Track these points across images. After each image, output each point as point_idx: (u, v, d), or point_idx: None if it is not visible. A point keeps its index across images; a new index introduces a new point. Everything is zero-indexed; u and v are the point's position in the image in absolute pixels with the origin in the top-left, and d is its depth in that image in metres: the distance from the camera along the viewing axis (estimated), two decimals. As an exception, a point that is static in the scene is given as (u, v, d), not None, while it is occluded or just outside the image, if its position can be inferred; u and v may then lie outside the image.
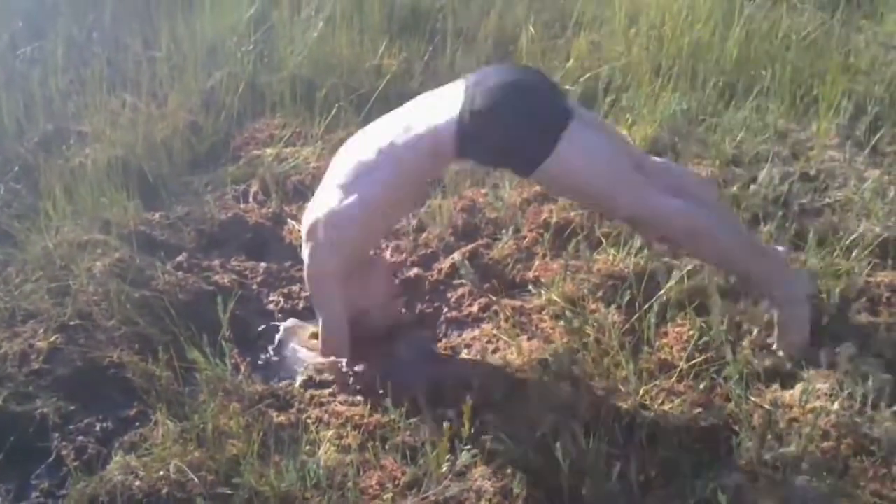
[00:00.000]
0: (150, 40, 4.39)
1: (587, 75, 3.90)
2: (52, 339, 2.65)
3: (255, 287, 3.08)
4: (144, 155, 3.63)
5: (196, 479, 2.18)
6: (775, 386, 2.43)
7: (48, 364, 2.59)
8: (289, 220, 3.35)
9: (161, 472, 2.22)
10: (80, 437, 2.40)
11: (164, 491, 2.18)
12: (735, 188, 3.16)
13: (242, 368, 2.62)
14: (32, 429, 2.41)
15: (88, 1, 4.68)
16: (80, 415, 2.47)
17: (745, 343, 2.55)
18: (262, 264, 3.17)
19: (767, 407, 2.34)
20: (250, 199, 3.48)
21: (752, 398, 2.38)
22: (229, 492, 2.17)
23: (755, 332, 2.58)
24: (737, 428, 2.30)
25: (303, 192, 3.46)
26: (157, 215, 3.29)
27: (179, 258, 3.08)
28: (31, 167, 3.57)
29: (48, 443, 2.38)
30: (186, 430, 2.34)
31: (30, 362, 2.59)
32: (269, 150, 3.70)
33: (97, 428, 2.43)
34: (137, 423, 2.44)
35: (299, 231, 3.22)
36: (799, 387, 2.39)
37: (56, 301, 2.79)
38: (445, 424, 2.29)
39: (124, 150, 3.61)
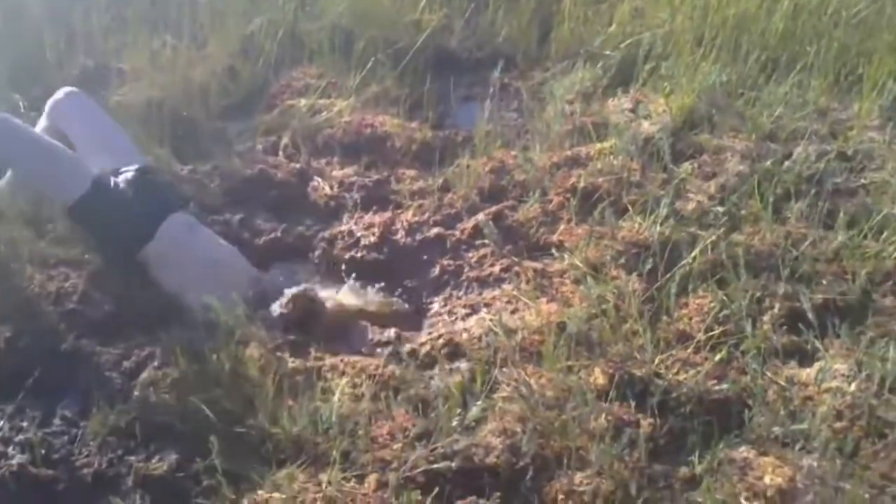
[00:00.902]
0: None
1: (628, 41, 3.84)
2: (83, 283, 2.70)
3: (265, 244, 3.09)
4: (181, 97, 3.65)
5: (211, 416, 2.22)
6: (792, 363, 2.43)
7: (81, 305, 2.64)
8: (315, 177, 3.35)
9: (178, 407, 2.27)
10: (106, 372, 2.45)
11: (180, 425, 2.23)
12: (769, 163, 3.11)
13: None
14: (61, 363, 2.47)
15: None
16: (107, 352, 2.52)
17: (765, 318, 2.54)
18: (281, 225, 3.16)
19: (783, 383, 2.34)
20: (279, 153, 3.48)
21: (768, 374, 2.37)
22: (242, 430, 2.21)
23: (776, 307, 2.56)
24: (750, 402, 2.30)
25: (332, 148, 3.47)
26: (184, 170, 3.30)
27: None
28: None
29: (76, 377, 2.44)
30: (205, 371, 2.38)
31: (63, 303, 2.64)
32: (303, 101, 3.70)
33: (122, 366, 2.48)
34: (159, 363, 2.48)
35: (324, 190, 3.25)
36: (817, 365, 2.38)
37: (85, 248, 2.84)
38: (458, 378, 2.32)
39: (161, 92, 3.63)
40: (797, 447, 2.16)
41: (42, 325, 2.56)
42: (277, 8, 4.15)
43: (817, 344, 2.46)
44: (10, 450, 2.20)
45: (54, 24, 3.95)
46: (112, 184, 2.72)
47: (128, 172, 2.76)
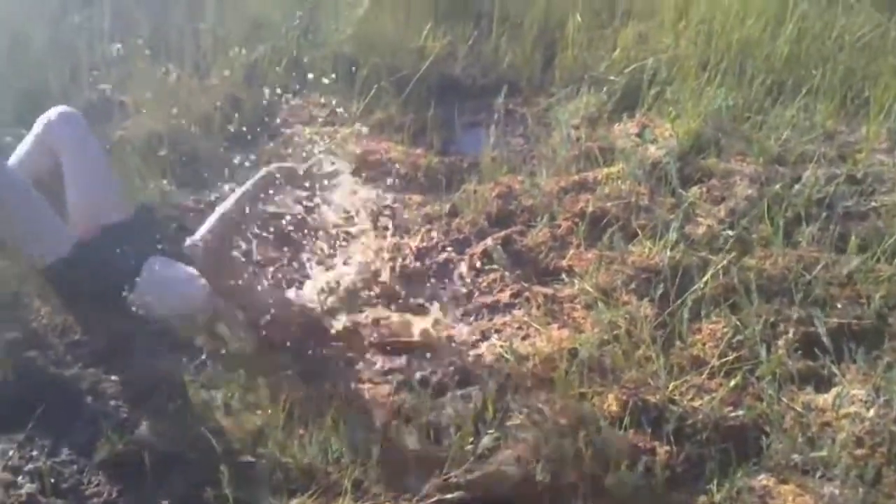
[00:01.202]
0: (195, 11, 4.38)
1: (633, 66, 3.84)
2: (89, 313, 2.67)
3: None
4: (184, 128, 3.63)
5: (219, 448, 2.18)
6: (809, 388, 2.39)
7: (86, 336, 2.61)
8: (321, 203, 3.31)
9: (187, 437, 2.22)
10: (113, 401, 2.41)
11: (189, 455, 2.19)
12: (778, 187, 3.09)
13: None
14: (69, 393, 2.43)
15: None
16: (113, 381, 2.48)
17: (780, 343, 2.50)
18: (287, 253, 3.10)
19: (800, 409, 2.30)
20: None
21: (785, 399, 2.33)
22: (252, 460, 2.17)
23: (791, 332, 2.53)
24: (767, 429, 2.26)
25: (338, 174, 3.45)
26: (190, 200, 3.27)
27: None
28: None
29: (83, 406, 2.40)
30: (214, 398, 2.35)
31: (69, 334, 2.61)
32: (307, 129, 3.69)
33: (128, 393, 2.44)
34: (167, 390, 2.44)
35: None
36: (834, 391, 2.34)
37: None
38: (470, 405, 2.28)
39: (164, 124, 3.62)
40: (817, 475, 2.12)
41: (48, 357, 2.53)
42: (280, 36, 4.16)
43: (833, 369, 2.42)
44: (19, 479, 2.15)
45: (58, 57, 3.95)
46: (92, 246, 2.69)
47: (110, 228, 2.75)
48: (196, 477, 2.14)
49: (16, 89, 3.88)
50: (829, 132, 3.44)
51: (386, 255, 3.02)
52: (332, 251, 3.04)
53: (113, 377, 2.48)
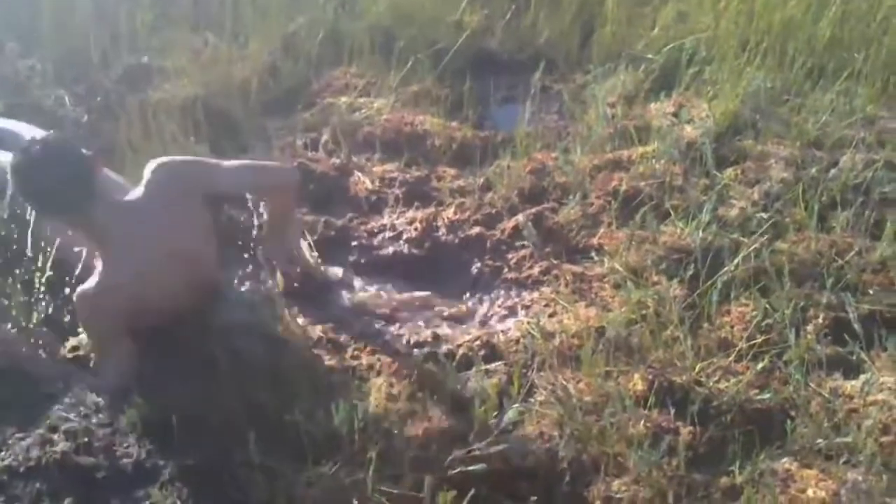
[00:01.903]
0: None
1: (671, 45, 3.80)
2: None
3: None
4: (221, 95, 3.67)
5: (248, 414, 2.22)
6: (837, 374, 2.38)
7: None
8: (355, 171, 3.34)
9: (215, 401, 2.27)
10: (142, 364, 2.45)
11: (217, 419, 2.24)
12: (814, 171, 3.06)
13: (287, 315, 2.59)
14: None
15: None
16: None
17: (809, 328, 2.49)
18: (323, 218, 3.14)
19: (826, 395, 2.29)
20: (320, 148, 3.48)
21: (812, 385, 2.32)
22: (279, 426, 2.21)
23: (820, 317, 2.51)
24: (792, 413, 2.26)
25: (372, 144, 3.46)
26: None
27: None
28: (113, 101, 3.65)
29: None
30: (243, 366, 2.38)
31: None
32: (343, 99, 3.71)
33: (158, 359, 2.47)
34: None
35: (365, 184, 3.24)
36: (862, 378, 2.33)
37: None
38: (495, 380, 2.30)
39: (202, 89, 3.66)
40: (841, 461, 2.12)
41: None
42: (318, 7, 4.17)
43: (863, 355, 2.41)
44: (55, 437, 2.21)
45: (98, 24, 3.99)
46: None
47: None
48: (223, 442, 2.19)
49: (58, 55, 3.94)
50: (869, 117, 3.39)
51: (418, 226, 3.03)
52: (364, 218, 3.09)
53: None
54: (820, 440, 2.16)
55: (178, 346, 2.45)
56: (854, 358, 2.42)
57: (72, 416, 2.26)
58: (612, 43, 3.98)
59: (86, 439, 2.20)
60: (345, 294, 2.83)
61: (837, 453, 2.14)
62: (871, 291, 2.61)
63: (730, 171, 3.12)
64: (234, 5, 4.20)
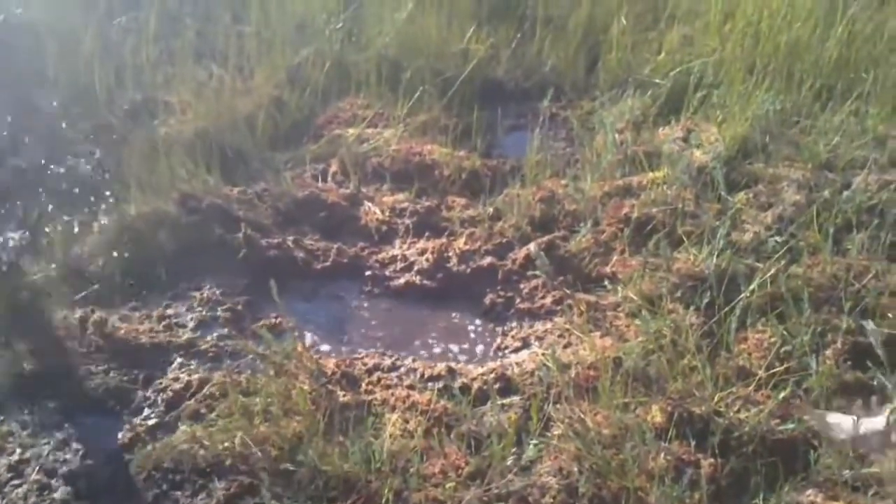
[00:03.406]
0: (239, 14, 4.41)
1: (678, 69, 3.79)
2: (120, 310, 2.71)
3: (319, 266, 3.06)
4: (227, 128, 3.66)
5: (260, 454, 2.18)
6: (860, 402, 2.33)
7: (104, 338, 2.63)
8: (365, 201, 3.32)
9: (226, 444, 2.23)
10: (146, 405, 2.44)
11: (228, 462, 2.20)
12: (827, 193, 3.03)
13: (300, 348, 2.56)
14: (101, 393, 2.46)
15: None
16: (143, 382, 2.51)
17: (828, 353, 2.45)
18: (335, 245, 3.13)
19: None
20: (329, 179, 3.47)
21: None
22: (292, 468, 2.17)
23: (839, 343, 2.48)
24: (815, 443, 2.21)
25: (381, 174, 3.45)
26: (234, 190, 3.30)
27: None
28: (119, 135, 3.64)
29: (117, 409, 2.43)
30: (253, 404, 2.35)
31: (101, 333, 2.63)
32: (350, 130, 3.70)
33: (160, 397, 2.46)
34: (204, 392, 2.45)
35: (376, 214, 3.22)
36: (888, 406, 2.28)
37: (126, 269, 2.87)
38: (511, 414, 2.26)
39: (208, 123, 3.64)
40: (870, 492, 2.07)
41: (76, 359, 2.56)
42: (324, 38, 4.17)
43: (885, 381, 2.36)
44: (53, 482, 2.17)
45: (104, 60, 3.99)
46: None
47: None
48: (235, 484, 2.15)
49: (64, 92, 3.93)
50: (880, 137, 3.36)
51: (430, 257, 3.01)
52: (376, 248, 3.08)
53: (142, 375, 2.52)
54: (846, 471, 2.11)
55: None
56: (875, 384, 2.38)
57: (68, 457, 2.23)
58: (618, 69, 3.98)
59: (87, 482, 2.17)
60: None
61: (864, 485, 2.09)
62: (890, 315, 2.57)
63: (742, 195, 3.11)
64: (237, 37, 4.21)
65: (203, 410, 2.39)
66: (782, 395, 2.30)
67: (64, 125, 3.75)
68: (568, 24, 4.31)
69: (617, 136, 3.48)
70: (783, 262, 2.75)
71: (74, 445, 2.29)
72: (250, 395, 2.39)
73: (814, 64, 3.75)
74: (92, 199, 3.15)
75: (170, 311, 2.78)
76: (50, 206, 3.15)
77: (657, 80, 3.79)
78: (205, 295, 2.83)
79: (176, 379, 2.50)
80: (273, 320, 2.75)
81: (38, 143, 3.58)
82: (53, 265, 2.85)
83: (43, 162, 3.42)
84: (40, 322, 2.66)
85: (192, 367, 2.56)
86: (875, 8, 4.13)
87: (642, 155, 3.34)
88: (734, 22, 4.05)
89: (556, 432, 2.28)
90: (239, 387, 2.42)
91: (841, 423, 2.24)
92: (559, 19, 4.39)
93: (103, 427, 2.37)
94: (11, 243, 2.96)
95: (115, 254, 2.91)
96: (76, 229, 3.01)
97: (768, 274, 2.67)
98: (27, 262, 2.85)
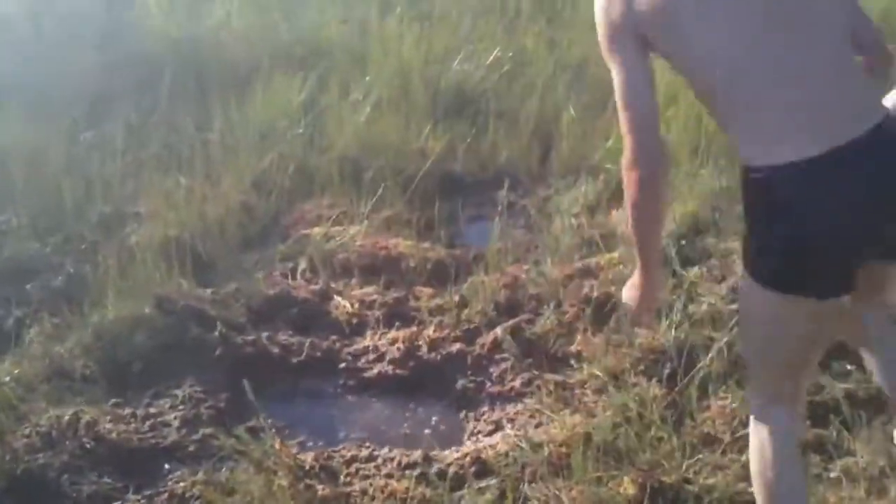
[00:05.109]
0: (203, 124, 4.56)
1: (627, 154, 3.96)
2: (101, 413, 2.74)
3: (295, 361, 3.11)
4: (197, 234, 3.74)
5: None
6: (822, 458, 2.42)
7: (96, 440, 2.65)
8: (335, 296, 3.41)
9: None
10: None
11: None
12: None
13: (277, 445, 2.58)
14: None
15: (146, 87, 4.91)
16: (126, 490, 2.52)
17: (790, 417, 2.54)
18: (308, 339, 3.19)
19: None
20: (298, 276, 3.56)
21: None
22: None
23: (800, 404, 2.57)
24: (783, 503, 2.28)
25: (349, 269, 3.55)
26: (208, 291, 3.38)
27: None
28: (90, 247, 3.71)
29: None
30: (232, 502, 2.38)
31: (78, 437, 2.65)
32: (317, 229, 3.80)
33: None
34: (183, 497, 2.48)
35: (346, 307, 3.31)
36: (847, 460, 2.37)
37: (105, 373, 2.90)
38: (488, 497, 2.31)
39: (178, 230, 3.73)
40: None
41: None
42: (287, 143, 4.32)
43: (846, 436, 2.45)
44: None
45: (72, 174, 4.09)
46: None
47: None
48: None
49: (33, 207, 4.00)
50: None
51: (401, 346, 3.09)
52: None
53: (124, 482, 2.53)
54: (818, 533, 2.18)
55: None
56: (836, 439, 2.47)
57: None
58: (570, 157, 4.17)
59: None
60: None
61: (835, 540, 2.16)
62: (849, 368, 2.67)
63: (695, 270, 3.24)
64: (203, 146, 4.34)
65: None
66: (745, 457, 2.38)
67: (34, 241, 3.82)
68: (519, 117, 4.51)
69: (573, 220, 3.64)
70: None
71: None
72: (232, 495, 2.42)
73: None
74: (67, 306, 3.19)
75: (153, 410, 2.80)
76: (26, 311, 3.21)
77: (608, 166, 3.96)
78: (186, 392, 2.87)
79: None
80: (251, 419, 2.79)
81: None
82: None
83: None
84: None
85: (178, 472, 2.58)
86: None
87: (598, 237, 3.48)
88: (677, 106, 4.27)
89: (532, 512, 2.33)
90: (220, 487, 2.44)
91: None
92: (511, 112, 4.59)
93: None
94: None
95: (95, 354, 2.96)
96: (55, 332, 3.05)
97: (724, 342, 2.77)
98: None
